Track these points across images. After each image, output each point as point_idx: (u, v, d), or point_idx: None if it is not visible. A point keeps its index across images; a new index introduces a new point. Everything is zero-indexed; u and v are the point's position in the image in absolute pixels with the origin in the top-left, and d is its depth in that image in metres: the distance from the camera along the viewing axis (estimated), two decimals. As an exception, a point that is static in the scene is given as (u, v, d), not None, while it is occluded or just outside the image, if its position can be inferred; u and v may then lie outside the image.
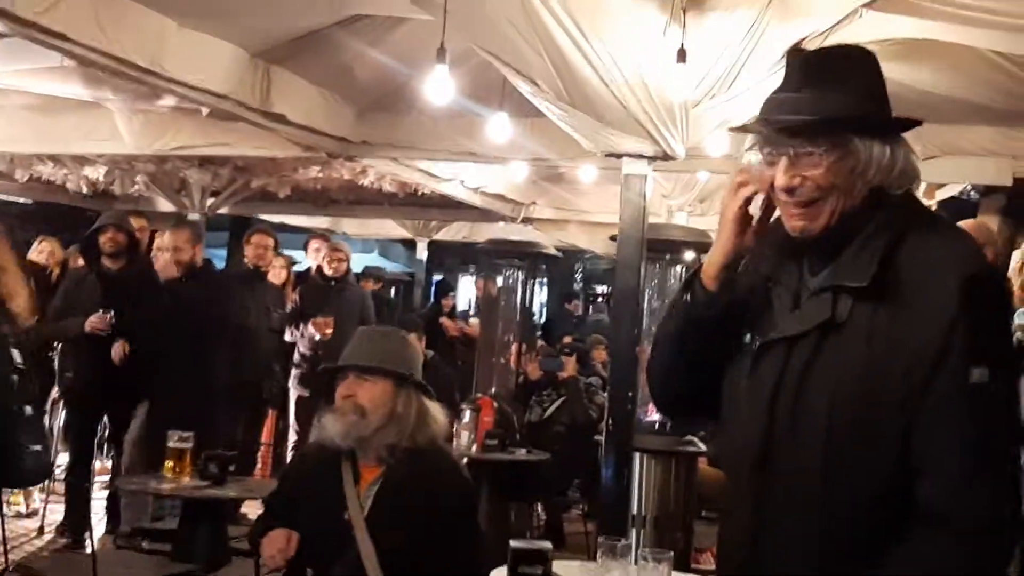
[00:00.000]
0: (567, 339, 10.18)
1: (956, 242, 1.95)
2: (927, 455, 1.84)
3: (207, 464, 5.16)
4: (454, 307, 12.34)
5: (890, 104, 2.02)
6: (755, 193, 2.03)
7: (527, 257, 8.31)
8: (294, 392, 8.69)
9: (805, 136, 1.94)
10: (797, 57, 2.07)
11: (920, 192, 6.74)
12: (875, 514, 1.88)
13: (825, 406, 1.90)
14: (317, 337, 8.32)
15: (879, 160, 1.94)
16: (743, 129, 2.07)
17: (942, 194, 8.45)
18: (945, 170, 7.32)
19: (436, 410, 3.50)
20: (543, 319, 14.64)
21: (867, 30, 5.37)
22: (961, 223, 4.63)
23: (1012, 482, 1.88)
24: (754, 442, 1.99)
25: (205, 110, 6.94)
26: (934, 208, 8.92)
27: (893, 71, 6.28)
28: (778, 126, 1.98)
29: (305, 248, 10.14)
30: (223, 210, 10.82)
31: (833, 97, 1.95)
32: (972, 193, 10.09)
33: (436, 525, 3.30)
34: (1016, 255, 8.25)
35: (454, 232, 13.36)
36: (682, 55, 5.00)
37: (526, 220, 10.91)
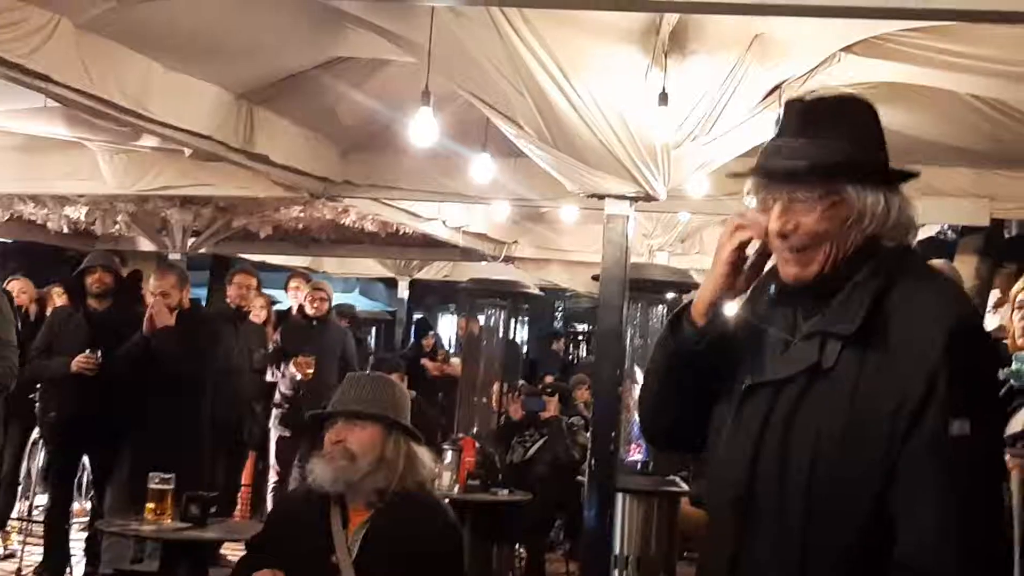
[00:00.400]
0: (549, 378, 10.18)
1: (944, 294, 1.95)
2: (905, 507, 1.83)
3: (188, 506, 5.11)
4: (435, 346, 12.34)
5: (887, 154, 2.03)
6: (751, 238, 2.03)
7: (509, 296, 8.32)
8: (274, 432, 8.64)
9: (799, 183, 1.96)
10: (795, 105, 2.08)
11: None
12: (854, 562, 1.86)
13: (809, 451, 1.90)
14: (298, 377, 8.29)
15: (873, 209, 1.94)
16: (741, 175, 2.08)
17: (921, 234, 8.53)
18: (924, 210, 7.29)
19: (424, 454, 3.51)
20: (526, 357, 14.64)
21: (846, 73, 5.45)
22: (933, 262, 4.69)
23: (995, 537, 1.87)
24: (737, 484, 1.99)
25: (188, 150, 6.96)
26: (913, 246, 9.00)
27: (872, 114, 6.36)
28: (771, 172, 2.00)
29: (285, 287, 10.12)
30: (204, 250, 10.81)
31: (827, 145, 1.96)
32: (950, 233, 10.18)
33: (423, 569, 3.29)
34: (992, 295, 8.31)
35: (435, 271, 13.38)
36: (663, 98, 5.06)
37: (508, 259, 10.95)
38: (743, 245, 2.03)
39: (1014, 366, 3.71)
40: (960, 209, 7.36)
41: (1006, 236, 10.30)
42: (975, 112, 6.04)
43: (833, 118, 2.01)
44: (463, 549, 3.53)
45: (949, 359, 1.81)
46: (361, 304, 16.06)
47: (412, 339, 13.28)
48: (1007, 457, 3.50)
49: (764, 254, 2.05)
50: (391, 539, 3.33)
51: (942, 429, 1.80)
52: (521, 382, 9.23)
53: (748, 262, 2.06)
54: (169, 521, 5.10)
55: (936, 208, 7.34)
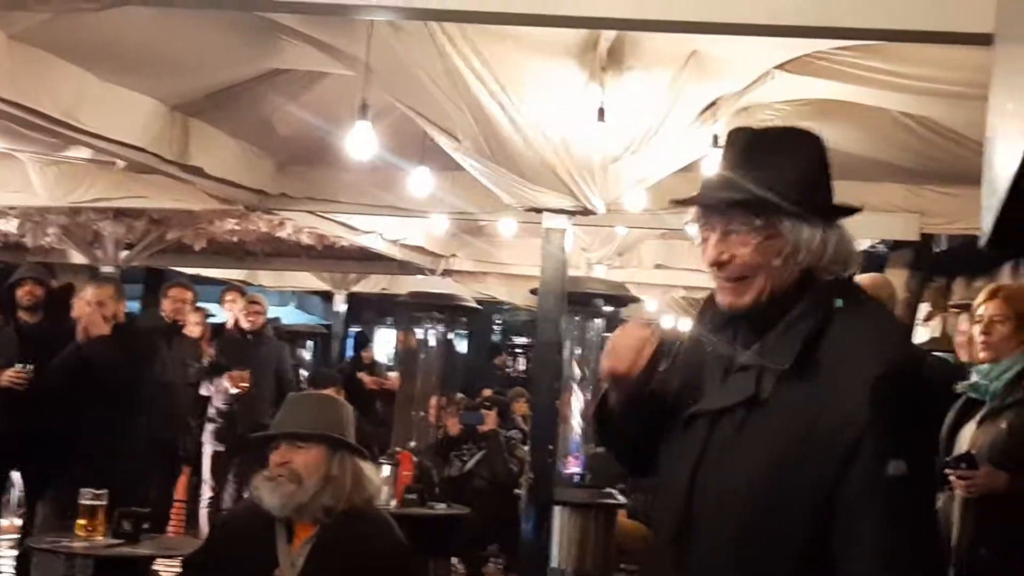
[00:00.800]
0: (487, 392, 10.18)
1: (879, 333, 1.96)
2: (844, 548, 1.83)
3: (120, 522, 5.04)
4: (374, 360, 12.27)
5: (831, 188, 2.05)
6: (644, 347, 2.07)
7: (446, 310, 8.32)
8: (209, 447, 8.55)
9: (733, 215, 1.96)
10: (739, 135, 2.10)
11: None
12: None
13: (743, 483, 1.91)
14: (233, 391, 8.21)
15: (808, 244, 1.94)
16: (681, 203, 2.08)
17: (853, 248, 8.65)
18: (856, 226, 7.41)
19: (370, 470, 3.51)
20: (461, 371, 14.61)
21: (780, 91, 5.53)
22: (864, 276, 4.78)
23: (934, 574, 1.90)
24: (675, 511, 2.01)
25: (121, 163, 6.87)
26: (852, 279, 9.13)
27: (805, 130, 6.44)
28: (707, 204, 2.02)
29: (220, 301, 10.02)
30: (137, 263, 10.66)
31: (763, 177, 1.96)
32: (881, 247, 10.34)
33: None
34: (922, 308, 8.43)
35: (372, 284, 13.32)
36: (601, 113, 5.09)
37: (445, 272, 10.93)
38: (645, 358, 2.07)
39: (973, 378, 3.79)
40: (891, 224, 7.48)
41: (935, 251, 10.49)
42: (905, 129, 6.15)
43: (774, 151, 2.02)
44: (409, 565, 3.51)
45: (881, 401, 1.81)
46: (297, 318, 15.94)
47: (351, 353, 13.20)
48: (952, 478, 3.58)
49: (656, 356, 2.08)
50: (337, 555, 3.31)
51: (877, 471, 1.80)
52: (459, 395, 9.22)
53: (641, 364, 2.08)
54: (101, 537, 5.03)
55: (867, 223, 7.45)
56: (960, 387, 3.87)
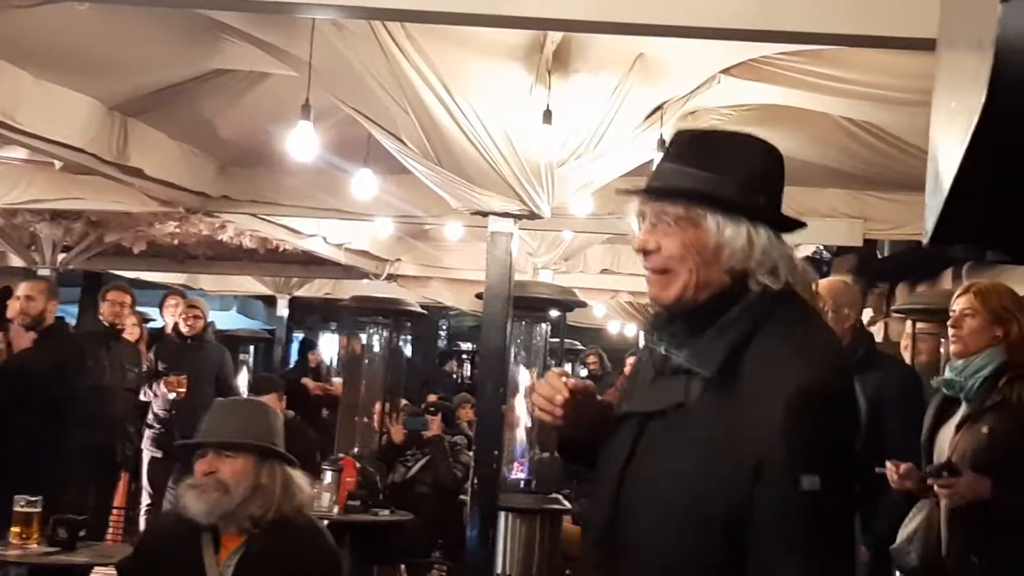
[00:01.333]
0: (432, 397, 10.12)
1: (804, 346, 1.93)
2: (756, 563, 1.83)
3: (56, 529, 4.93)
4: (320, 364, 12.17)
5: (773, 197, 2.03)
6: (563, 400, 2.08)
7: (391, 314, 8.24)
8: (147, 453, 8.41)
9: (663, 204, 1.98)
10: (683, 134, 2.12)
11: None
12: None
13: (663, 487, 1.92)
14: (171, 396, 8.09)
15: (732, 242, 1.92)
16: (621, 191, 2.11)
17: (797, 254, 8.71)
18: (801, 231, 7.55)
19: (301, 479, 3.41)
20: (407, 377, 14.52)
21: (725, 96, 5.55)
22: (826, 280, 4.80)
23: None
24: (602, 510, 2.03)
25: (59, 163, 6.75)
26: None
27: (750, 135, 6.47)
28: (634, 190, 2.04)
29: (161, 306, 9.86)
30: (75, 266, 10.49)
31: (693, 173, 1.97)
32: (825, 253, 10.44)
33: None
34: (865, 314, 8.50)
35: (316, 289, 13.22)
36: (548, 116, 5.07)
37: (390, 277, 10.87)
38: (552, 405, 2.08)
39: (946, 374, 3.81)
40: (835, 230, 7.54)
41: (878, 256, 10.60)
42: (849, 135, 6.20)
43: (714, 150, 2.02)
44: (341, 573, 3.44)
45: (797, 416, 1.80)
46: (239, 323, 15.77)
47: (296, 358, 13.09)
48: (935, 487, 3.58)
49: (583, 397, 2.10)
50: (265, 566, 3.23)
51: (788, 486, 1.79)
52: (404, 403, 9.14)
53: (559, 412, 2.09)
54: (36, 545, 4.92)
55: (811, 229, 7.46)
56: (935, 382, 3.88)
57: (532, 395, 2.16)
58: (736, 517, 1.82)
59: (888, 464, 3.79)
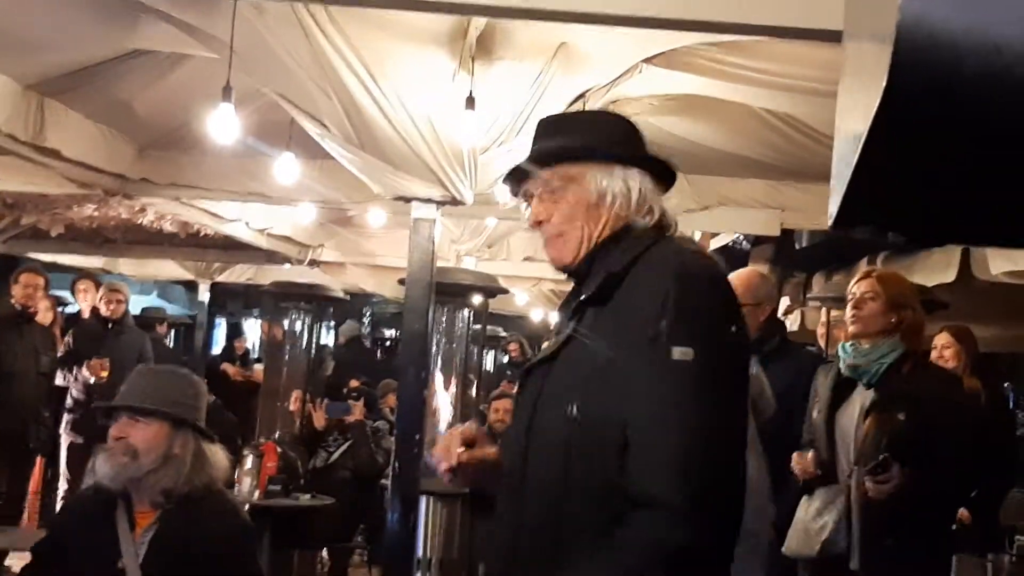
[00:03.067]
0: (354, 383, 10.09)
1: (676, 255, 2.10)
2: (635, 439, 1.93)
3: (-33, 516, 4.87)
4: (247, 351, 12.06)
5: (637, 148, 2.22)
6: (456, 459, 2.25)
7: (313, 300, 8.21)
8: (65, 438, 8.29)
9: (542, 177, 2.16)
10: (545, 119, 2.33)
11: (696, 239, 7.02)
12: (612, 507, 1.95)
13: (565, 409, 2.04)
14: (92, 380, 7.98)
15: (612, 189, 2.13)
16: (510, 173, 2.26)
17: (716, 243, 8.83)
18: (719, 220, 7.66)
19: (215, 453, 3.38)
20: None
21: (647, 85, 5.60)
22: (741, 271, 4.89)
23: (718, 460, 1.96)
24: (515, 454, 2.15)
25: (-29, 143, 6.59)
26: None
27: (671, 125, 6.57)
28: (508, 174, 2.24)
29: (72, 290, 9.69)
30: (-10, 248, 10.29)
31: (558, 140, 2.19)
32: (744, 244, 10.58)
33: (213, 570, 3.19)
34: (782, 302, 8.63)
35: (238, 274, 13.07)
36: (471, 102, 5.08)
37: (313, 263, 10.78)
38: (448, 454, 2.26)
39: (849, 358, 3.91)
40: (753, 219, 7.65)
41: (796, 247, 10.78)
42: (767, 126, 6.28)
43: (572, 122, 2.28)
44: (255, 549, 3.42)
45: (670, 299, 1.96)
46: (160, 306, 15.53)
47: (220, 343, 12.97)
48: (868, 484, 3.67)
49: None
50: (179, 541, 3.21)
51: (662, 360, 1.92)
52: (325, 393, 9.08)
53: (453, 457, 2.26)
54: (-55, 533, 4.85)
55: (729, 218, 7.62)
56: (842, 366, 3.96)
57: (432, 451, 2.32)
58: (626, 411, 1.95)
59: (794, 456, 3.88)
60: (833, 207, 1.06)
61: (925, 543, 3.68)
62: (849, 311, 3.91)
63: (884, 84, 0.80)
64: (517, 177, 2.23)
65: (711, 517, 1.91)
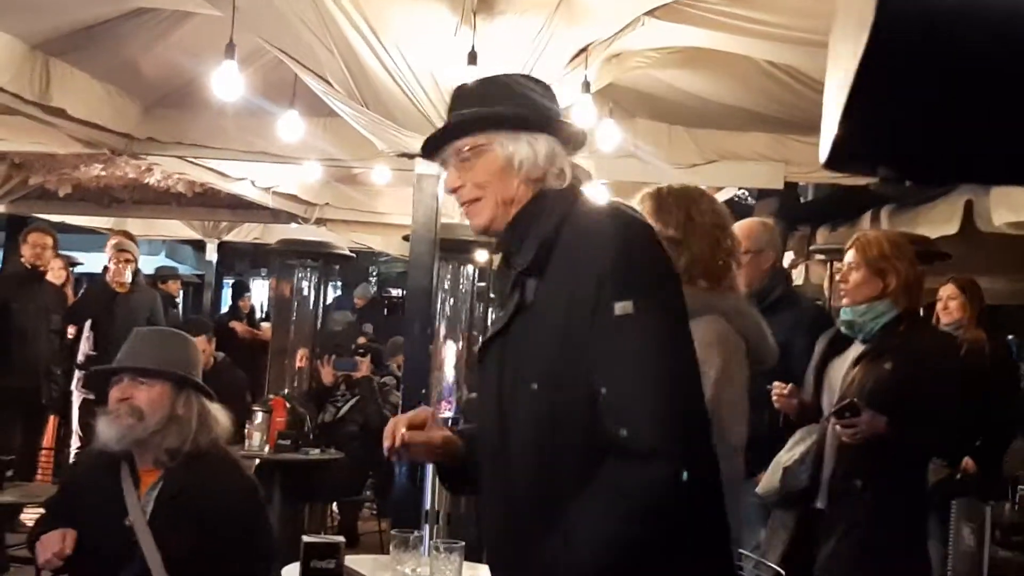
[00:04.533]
0: (362, 339, 10.16)
1: (605, 216, 2.18)
2: (600, 394, 2.02)
3: (-19, 471, 4.96)
4: (252, 309, 12.10)
5: (544, 110, 2.27)
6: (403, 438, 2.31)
7: (319, 258, 8.25)
8: (77, 395, 8.38)
9: (454, 146, 2.24)
10: (458, 88, 2.38)
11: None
12: (589, 461, 2.03)
13: (532, 381, 2.11)
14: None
15: (519, 153, 2.20)
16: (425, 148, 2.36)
17: (719, 197, 8.82)
18: (722, 174, 7.67)
19: (218, 411, 3.42)
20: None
21: (649, 38, 5.60)
22: (745, 221, 4.90)
23: (688, 401, 2.05)
24: (491, 430, 2.20)
25: (-24, 103, 6.62)
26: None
27: (674, 78, 6.56)
28: (423, 152, 2.34)
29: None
30: (-1, 208, 10.34)
31: (466, 112, 2.26)
32: (749, 198, 10.59)
33: (220, 526, 3.23)
34: (787, 256, 8.64)
35: (245, 233, 13.12)
36: (473, 57, 5.09)
37: (319, 221, 10.81)
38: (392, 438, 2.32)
39: (845, 316, 3.95)
40: (756, 173, 7.65)
41: (801, 201, 10.78)
42: (770, 78, 6.28)
43: (481, 90, 2.31)
44: (261, 505, 3.46)
45: (606, 258, 2.04)
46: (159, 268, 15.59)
47: (229, 302, 13.02)
48: (837, 427, 3.71)
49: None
50: (185, 498, 3.25)
51: (609, 314, 2.00)
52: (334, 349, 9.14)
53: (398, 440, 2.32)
54: (-40, 487, 4.94)
55: (732, 172, 7.62)
56: (839, 323, 4.01)
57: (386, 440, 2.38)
58: (587, 364, 2.03)
59: (775, 384, 3.90)
60: (824, 146, 1.09)
61: (895, 489, 3.72)
62: (838, 279, 3.95)
63: (872, 20, 0.83)
64: (434, 146, 2.31)
65: (682, 451, 1.99)
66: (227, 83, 5.09)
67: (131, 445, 3.28)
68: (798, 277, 9.38)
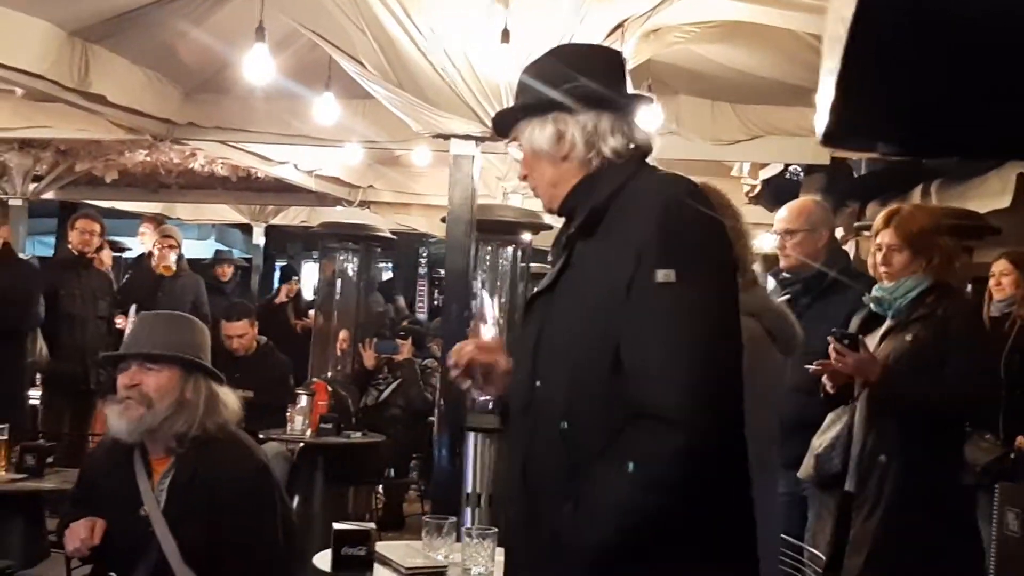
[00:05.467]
0: (404, 322, 10.16)
1: (659, 179, 2.17)
2: (627, 358, 2.01)
3: (23, 456, 4.99)
4: (299, 293, 12.12)
5: (595, 79, 2.24)
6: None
7: (362, 240, 8.24)
8: (124, 381, 8.45)
9: (514, 137, 2.30)
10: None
11: (745, 171, 6.90)
12: (609, 428, 2.03)
13: (565, 338, 2.14)
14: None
15: (553, 140, 2.22)
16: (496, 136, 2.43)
17: (765, 173, 8.70)
18: (767, 149, 7.54)
19: (226, 395, 3.37)
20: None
21: (687, 12, 5.50)
22: (798, 200, 4.80)
23: (720, 375, 2.01)
24: (523, 384, 2.22)
25: (19, 91, 6.67)
26: (759, 186, 9.20)
27: (714, 53, 6.45)
28: (495, 136, 2.44)
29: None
30: (49, 195, 10.43)
31: (508, 108, 2.35)
32: (800, 174, 10.41)
33: (233, 511, 3.19)
34: (839, 232, 8.51)
35: (292, 217, 13.17)
36: (506, 35, 5.02)
37: (364, 204, 10.82)
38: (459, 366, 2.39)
39: (874, 293, 3.87)
40: (802, 148, 7.51)
41: (854, 175, 10.59)
42: (814, 51, 6.13)
43: (521, 82, 2.32)
44: (273, 487, 3.40)
45: (654, 225, 2.04)
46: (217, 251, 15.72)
47: (276, 285, 13.07)
48: (830, 349, 3.65)
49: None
50: (197, 484, 3.21)
51: (650, 280, 2.00)
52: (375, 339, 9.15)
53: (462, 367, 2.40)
54: (3, 472, 4.97)
55: (777, 147, 7.49)
56: (865, 299, 3.93)
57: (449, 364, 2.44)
58: (621, 328, 2.03)
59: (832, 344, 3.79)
60: (820, 124, 1.04)
61: (924, 465, 3.63)
62: (880, 268, 3.85)
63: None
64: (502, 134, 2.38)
65: (705, 423, 1.96)
66: (258, 66, 5.07)
67: (143, 435, 3.25)
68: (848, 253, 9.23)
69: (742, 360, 2.09)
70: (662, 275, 1.99)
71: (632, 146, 2.23)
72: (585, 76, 2.24)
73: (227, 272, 10.71)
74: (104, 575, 3.24)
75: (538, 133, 2.23)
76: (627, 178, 2.17)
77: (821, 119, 1.05)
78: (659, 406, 1.95)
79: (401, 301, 12.74)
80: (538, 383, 2.16)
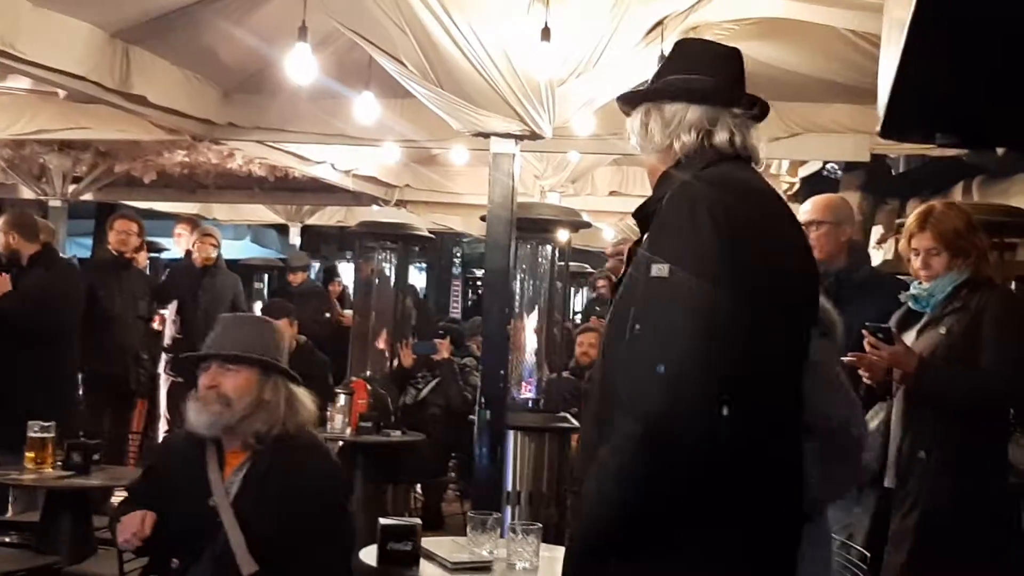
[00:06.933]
0: (442, 321, 10.18)
1: (694, 177, 2.21)
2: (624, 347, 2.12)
3: (70, 453, 5.05)
4: (344, 291, 12.15)
5: (688, 70, 2.34)
6: None
7: (399, 239, 8.26)
8: (164, 379, 8.52)
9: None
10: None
11: (784, 168, 6.89)
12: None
13: (608, 328, 2.26)
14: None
15: (637, 131, 2.32)
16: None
17: (804, 170, 8.66)
18: (806, 147, 7.50)
19: (304, 396, 3.46)
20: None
21: (727, 10, 5.49)
22: (824, 196, 4.79)
23: (694, 366, 2.03)
24: (598, 362, 2.35)
25: (62, 92, 6.73)
26: (797, 184, 9.15)
27: (753, 50, 6.44)
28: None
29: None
30: (87, 196, 10.52)
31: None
32: (839, 172, 10.35)
33: (304, 510, 3.26)
34: (875, 231, 8.47)
35: (328, 217, 13.22)
36: (546, 33, 5.02)
37: (400, 203, 10.84)
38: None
39: (912, 291, 3.85)
40: (840, 145, 7.47)
41: (893, 173, 10.52)
42: (853, 48, 6.10)
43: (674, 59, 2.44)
44: (346, 490, 3.50)
45: (661, 219, 2.15)
46: (253, 252, 15.80)
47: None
48: (865, 343, 3.63)
49: None
50: (270, 481, 3.29)
51: (645, 277, 2.09)
52: (412, 330, 9.16)
53: None
54: (50, 470, 5.02)
55: (816, 144, 7.45)
56: (903, 297, 3.92)
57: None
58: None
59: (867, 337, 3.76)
60: (880, 115, 1.05)
61: (965, 464, 3.60)
62: (918, 266, 3.82)
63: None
64: None
65: (663, 411, 2.01)
66: (301, 66, 5.09)
67: (221, 432, 3.33)
68: (887, 251, 9.16)
69: (748, 350, 2.08)
70: (656, 270, 2.08)
71: (707, 144, 2.26)
72: (684, 61, 2.35)
73: (298, 279, 10.92)
74: (167, 563, 3.31)
75: (630, 122, 2.35)
76: (688, 174, 2.22)
77: (880, 108, 1.05)
78: (621, 398, 2.07)
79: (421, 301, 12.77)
80: (600, 363, 2.30)
